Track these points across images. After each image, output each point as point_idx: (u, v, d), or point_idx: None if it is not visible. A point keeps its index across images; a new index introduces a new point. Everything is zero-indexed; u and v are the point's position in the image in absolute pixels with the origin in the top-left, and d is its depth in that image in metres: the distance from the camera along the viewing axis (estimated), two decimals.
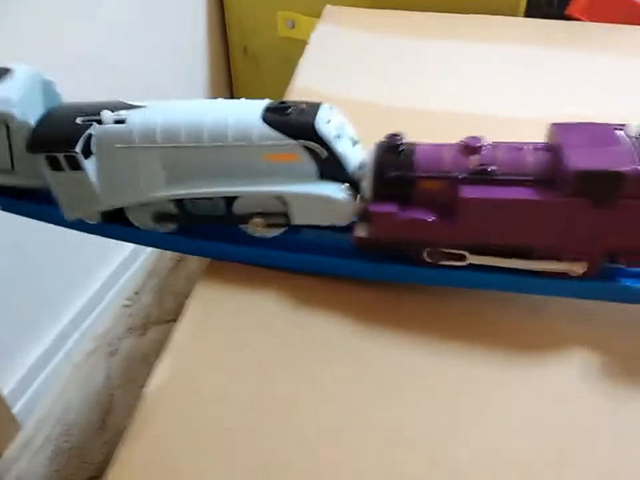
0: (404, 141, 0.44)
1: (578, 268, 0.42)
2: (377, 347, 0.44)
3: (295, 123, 0.45)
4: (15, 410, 1.01)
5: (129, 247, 1.36)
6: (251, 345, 0.44)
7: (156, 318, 1.27)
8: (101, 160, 0.48)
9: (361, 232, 0.45)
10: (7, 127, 0.48)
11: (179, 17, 1.34)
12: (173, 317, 1.28)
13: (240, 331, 0.45)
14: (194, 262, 1.43)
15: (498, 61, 0.87)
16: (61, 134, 0.47)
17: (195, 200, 0.49)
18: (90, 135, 0.47)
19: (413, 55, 0.93)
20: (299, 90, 0.80)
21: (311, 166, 0.46)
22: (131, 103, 0.49)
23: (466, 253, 0.43)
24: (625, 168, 0.38)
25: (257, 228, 0.48)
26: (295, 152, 0.45)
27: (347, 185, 0.46)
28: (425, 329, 0.45)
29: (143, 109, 0.49)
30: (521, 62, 0.87)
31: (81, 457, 1.00)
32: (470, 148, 0.41)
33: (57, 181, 0.49)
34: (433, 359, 0.43)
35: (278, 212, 0.48)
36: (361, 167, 0.46)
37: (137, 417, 0.38)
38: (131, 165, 0.48)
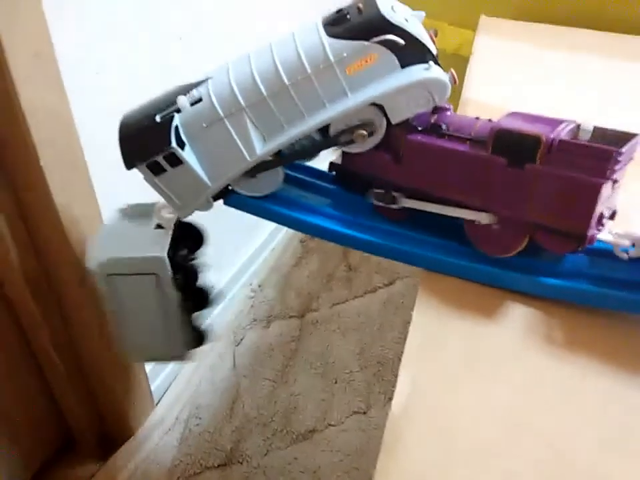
0: None
1: (484, 218, 0.45)
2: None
3: (361, 24, 0.43)
4: (152, 388, 1.05)
5: (256, 242, 1.39)
6: (480, 357, 0.42)
7: (279, 312, 1.29)
8: (195, 145, 0.47)
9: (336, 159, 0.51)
10: None
11: None
12: (295, 314, 1.30)
13: (467, 341, 0.44)
14: (315, 261, 1.44)
15: None
16: (151, 138, 0.46)
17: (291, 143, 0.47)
18: (177, 126, 0.46)
19: (580, 72, 0.90)
20: (472, 101, 0.79)
21: (390, 60, 0.43)
22: (191, 82, 0.48)
23: (399, 195, 0.48)
24: (541, 133, 0.40)
25: (362, 139, 0.46)
26: (373, 52, 0.43)
27: (432, 61, 0.44)
28: (597, 350, 0.42)
29: (209, 81, 0.47)
30: None
31: (211, 442, 1.02)
32: (435, 108, 0.47)
33: (162, 184, 0.48)
34: (599, 382, 0.40)
35: (374, 117, 0.46)
36: None
37: (388, 429, 0.37)
38: (224, 137, 0.46)
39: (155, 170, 0.47)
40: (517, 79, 0.86)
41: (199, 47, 0.94)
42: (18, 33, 0.59)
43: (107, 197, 0.79)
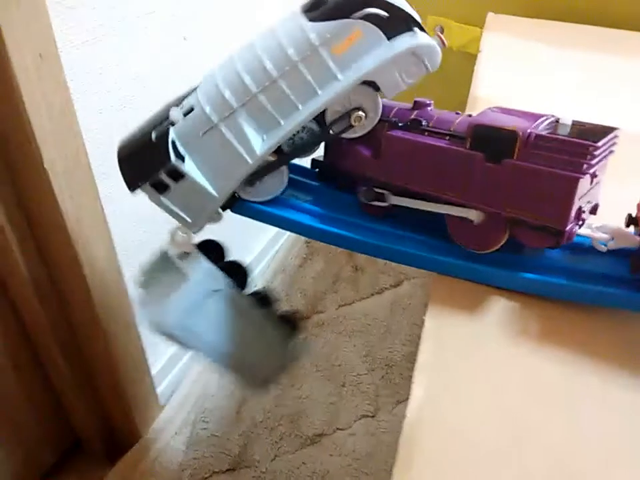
0: None
1: (475, 216, 0.44)
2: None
3: (340, 2, 0.42)
4: (158, 390, 1.04)
5: (261, 243, 1.39)
6: (493, 362, 0.41)
7: None
8: (194, 156, 0.46)
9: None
10: None
11: None
12: (302, 315, 1.29)
13: (479, 348, 0.43)
14: (320, 262, 1.43)
15: None
16: (150, 156, 0.46)
17: (290, 137, 0.47)
18: (173, 140, 0.45)
19: (587, 69, 0.89)
20: (480, 98, 0.78)
21: (375, 33, 0.42)
22: (180, 94, 0.47)
23: (388, 193, 0.48)
24: (517, 127, 0.40)
25: (359, 122, 0.46)
26: (357, 28, 0.42)
27: (418, 29, 0.43)
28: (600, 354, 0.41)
29: (198, 89, 0.46)
30: None
31: (218, 447, 1.01)
32: (416, 103, 0.47)
33: (169, 201, 0.47)
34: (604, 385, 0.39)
35: (368, 97, 0.45)
36: None
37: (403, 438, 0.36)
38: (222, 143, 0.46)
39: (159, 188, 0.47)
40: (525, 76, 0.86)
41: (204, 47, 0.94)
42: (22, 33, 0.59)
43: (110, 196, 0.78)
